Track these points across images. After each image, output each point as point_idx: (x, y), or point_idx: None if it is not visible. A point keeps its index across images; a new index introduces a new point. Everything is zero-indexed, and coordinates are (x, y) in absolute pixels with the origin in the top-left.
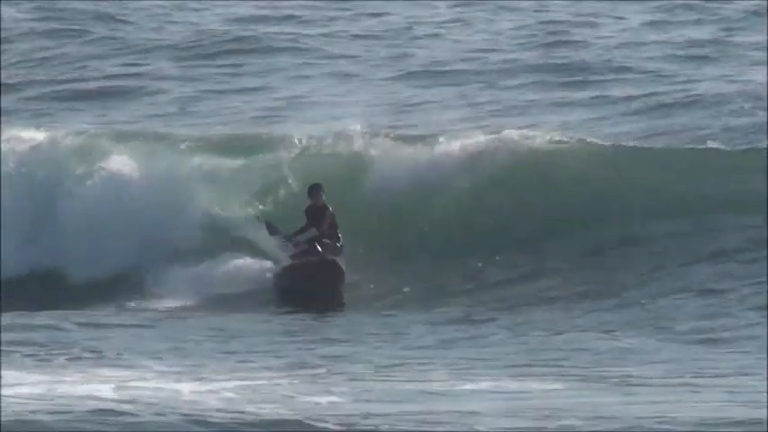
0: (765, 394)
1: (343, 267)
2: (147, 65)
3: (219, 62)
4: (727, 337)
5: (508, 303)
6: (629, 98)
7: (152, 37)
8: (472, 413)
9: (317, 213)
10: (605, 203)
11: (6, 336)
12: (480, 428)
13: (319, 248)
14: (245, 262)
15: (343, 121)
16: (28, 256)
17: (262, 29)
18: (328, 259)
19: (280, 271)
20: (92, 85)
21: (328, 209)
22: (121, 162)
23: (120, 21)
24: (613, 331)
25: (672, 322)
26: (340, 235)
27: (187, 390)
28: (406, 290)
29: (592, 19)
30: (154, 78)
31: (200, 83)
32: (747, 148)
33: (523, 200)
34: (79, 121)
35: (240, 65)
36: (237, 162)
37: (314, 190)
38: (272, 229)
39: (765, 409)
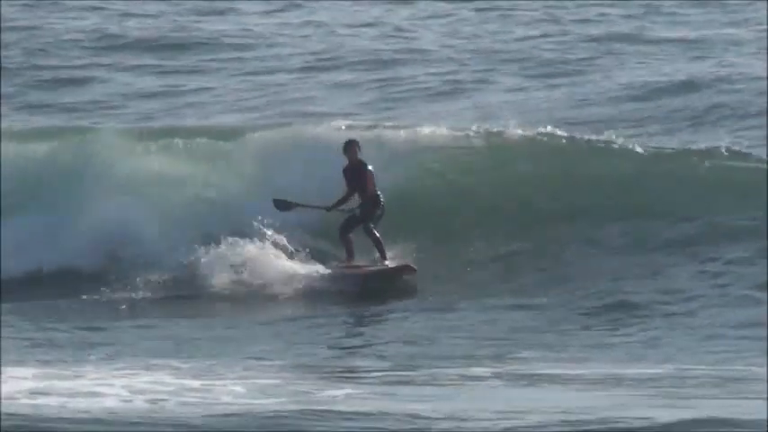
0: (765, 393)
1: (414, 266)
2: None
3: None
4: (725, 333)
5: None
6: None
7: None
8: (486, 411)
9: (355, 174)
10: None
11: (9, 333)
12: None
13: (384, 258)
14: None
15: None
16: None
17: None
18: (400, 266)
19: (341, 275)
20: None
21: (367, 166)
22: None
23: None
24: (615, 328)
25: (667, 315)
26: (379, 192)
27: (198, 385)
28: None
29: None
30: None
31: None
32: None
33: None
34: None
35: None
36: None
37: (349, 146)
38: (282, 205)
39: (765, 409)
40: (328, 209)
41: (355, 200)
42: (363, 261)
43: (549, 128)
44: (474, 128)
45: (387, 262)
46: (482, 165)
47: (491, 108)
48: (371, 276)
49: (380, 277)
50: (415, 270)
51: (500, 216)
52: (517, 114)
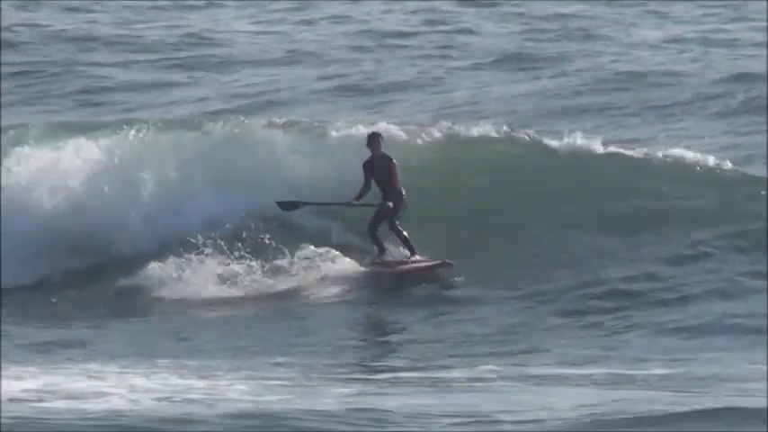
0: (765, 385)
1: (451, 262)
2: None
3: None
4: (724, 326)
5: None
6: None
7: None
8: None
9: (380, 168)
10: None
11: (10, 333)
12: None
13: (413, 254)
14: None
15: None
16: None
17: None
18: (437, 263)
19: (377, 273)
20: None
21: (392, 160)
22: None
23: None
24: (615, 325)
25: (666, 311)
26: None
27: (203, 384)
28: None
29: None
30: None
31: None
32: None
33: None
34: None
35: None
36: None
37: (373, 139)
38: (287, 206)
39: (766, 401)
40: (350, 204)
41: (370, 194)
42: (389, 258)
43: (527, 120)
44: (444, 122)
45: (417, 257)
46: (464, 158)
47: (468, 101)
48: (409, 273)
49: (418, 274)
50: (451, 265)
51: (482, 209)
52: (502, 109)
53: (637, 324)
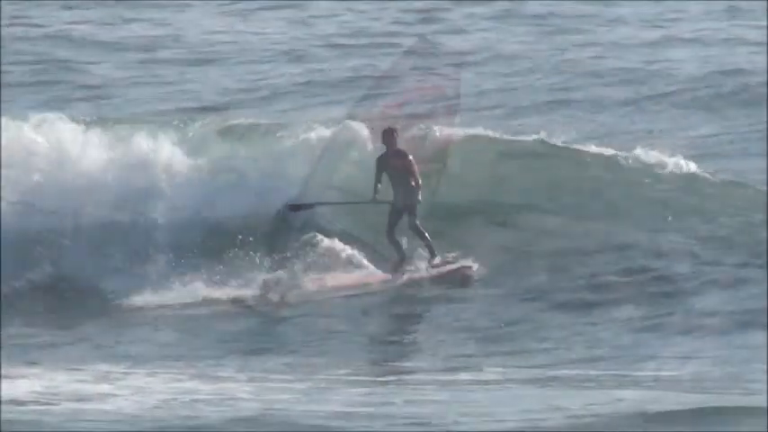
0: (765, 381)
1: (471, 265)
2: None
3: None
4: (725, 324)
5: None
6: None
7: None
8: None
9: (397, 163)
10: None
11: (11, 335)
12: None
13: (433, 257)
14: None
15: None
16: None
17: None
18: (458, 267)
19: (400, 279)
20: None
21: (408, 155)
22: None
23: None
24: (616, 324)
25: (670, 309)
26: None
27: (208, 386)
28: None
29: None
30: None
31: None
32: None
33: None
34: None
35: None
36: None
37: (388, 134)
38: (297, 208)
39: (765, 397)
40: (376, 202)
41: (382, 191)
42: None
43: (521, 115)
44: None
45: (437, 260)
46: (457, 154)
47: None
48: (432, 280)
49: (440, 280)
50: (470, 268)
51: (481, 205)
52: (496, 104)
53: (638, 322)
